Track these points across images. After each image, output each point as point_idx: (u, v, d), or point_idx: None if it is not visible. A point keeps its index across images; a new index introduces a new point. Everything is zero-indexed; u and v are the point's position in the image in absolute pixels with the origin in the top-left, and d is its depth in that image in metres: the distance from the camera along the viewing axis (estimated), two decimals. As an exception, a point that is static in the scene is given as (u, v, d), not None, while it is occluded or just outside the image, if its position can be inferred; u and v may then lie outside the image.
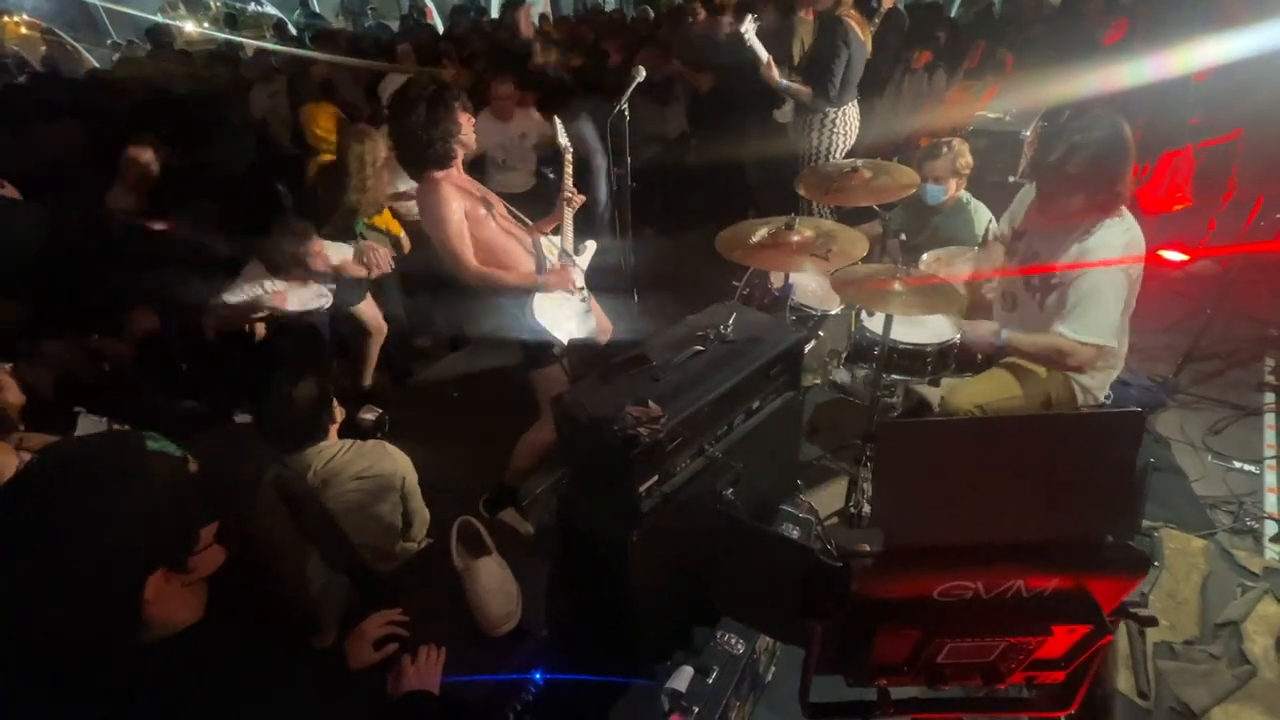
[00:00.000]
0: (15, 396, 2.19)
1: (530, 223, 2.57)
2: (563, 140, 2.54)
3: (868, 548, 0.71)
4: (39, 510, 0.92)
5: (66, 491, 0.93)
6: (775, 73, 3.57)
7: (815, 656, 0.81)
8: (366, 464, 1.97)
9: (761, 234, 2.22)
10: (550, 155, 4.03)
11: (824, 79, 3.54)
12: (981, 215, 2.93)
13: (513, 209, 2.54)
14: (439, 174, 2.26)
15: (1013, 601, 0.79)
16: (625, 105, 2.93)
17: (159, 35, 8.77)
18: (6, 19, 10.37)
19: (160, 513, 0.97)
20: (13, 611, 0.90)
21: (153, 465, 0.99)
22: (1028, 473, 0.75)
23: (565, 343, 2.44)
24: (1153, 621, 0.80)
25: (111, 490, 0.94)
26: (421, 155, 2.24)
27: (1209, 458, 2.83)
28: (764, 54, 3.51)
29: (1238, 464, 2.79)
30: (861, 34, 3.60)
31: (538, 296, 2.37)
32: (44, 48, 9.56)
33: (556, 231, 2.52)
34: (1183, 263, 3.67)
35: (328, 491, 1.91)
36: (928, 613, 0.79)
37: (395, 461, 2.04)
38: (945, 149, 2.86)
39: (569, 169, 2.52)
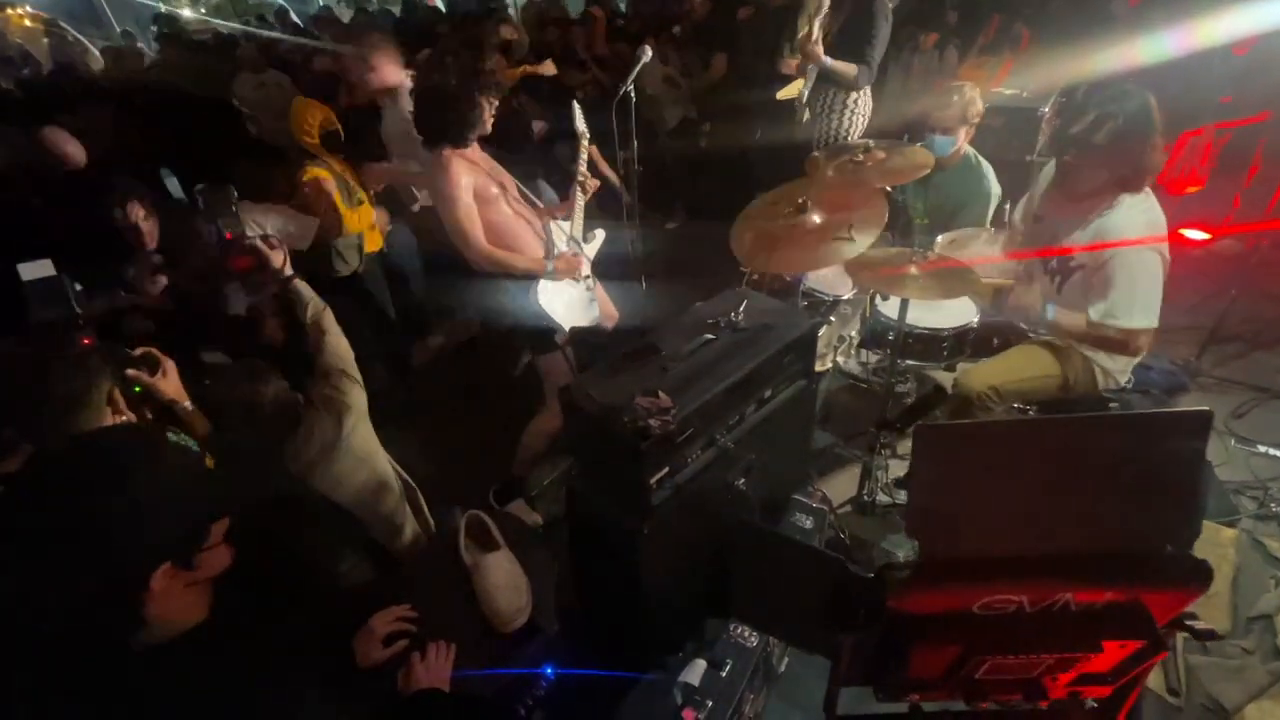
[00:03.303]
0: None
1: (541, 205, 2.52)
2: (580, 125, 2.49)
3: (903, 558, 0.67)
4: (52, 495, 0.91)
5: (82, 477, 0.92)
6: (820, 48, 3.34)
7: (845, 669, 0.77)
8: (328, 424, 1.84)
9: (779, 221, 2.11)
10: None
11: (867, 54, 3.38)
12: (989, 174, 2.81)
13: (525, 191, 2.49)
14: (451, 151, 2.24)
15: (1060, 616, 0.74)
16: (631, 88, 2.85)
17: (167, 25, 8.72)
18: (10, 11, 10.34)
19: (172, 506, 0.96)
20: (17, 597, 0.89)
21: (169, 458, 0.99)
22: (1079, 478, 0.69)
23: (567, 330, 2.40)
24: (1212, 635, 0.75)
25: (126, 479, 0.93)
26: (442, 130, 2.22)
27: (1232, 442, 2.77)
28: (816, 29, 3.32)
29: (1262, 448, 2.73)
30: (889, 9, 3.48)
31: (542, 282, 2.33)
32: (47, 40, 9.52)
33: (567, 217, 2.48)
34: (1205, 242, 3.57)
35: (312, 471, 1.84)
36: (967, 628, 0.74)
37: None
38: (955, 96, 2.68)
39: (584, 154, 2.47)
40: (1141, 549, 0.69)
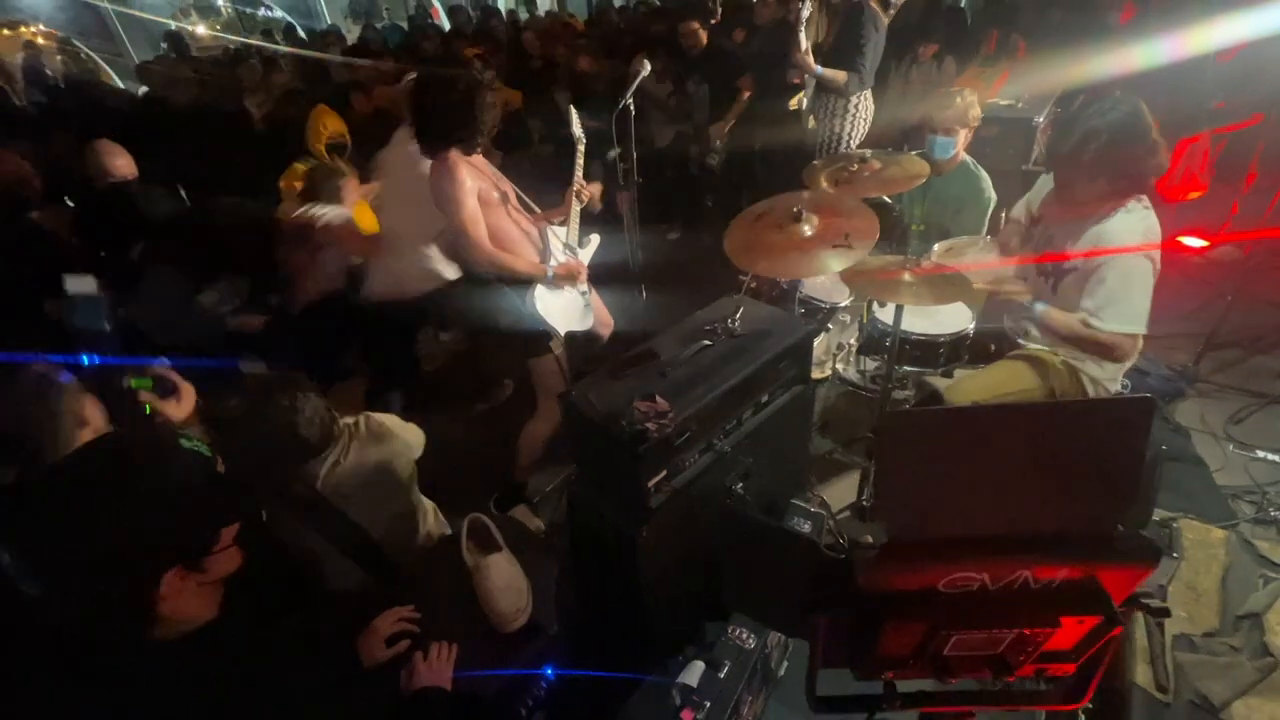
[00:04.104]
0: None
1: (539, 211, 2.55)
2: (577, 130, 2.49)
3: (871, 540, 0.70)
4: (70, 498, 0.94)
5: (98, 481, 0.95)
6: (811, 59, 3.47)
7: (821, 650, 0.81)
8: (375, 455, 1.89)
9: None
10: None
11: (857, 62, 3.49)
12: (985, 179, 2.84)
13: (525, 198, 2.53)
14: (458, 156, 2.24)
15: (1020, 592, 0.78)
16: (630, 100, 2.91)
17: (176, 42, 8.88)
18: (24, 29, 10.50)
19: (183, 510, 0.98)
20: (30, 593, 0.92)
21: (182, 463, 1.01)
22: (1035, 462, 0.74)
23: (561, 334, 2.43)
24: (1165, 613, 0.79)
25: (137, 484, 0.96)
26: (447, 135, 2.22)
27: (1231, 447, 2.78)
28: (805, 40, 3.43)
29: (1260, 453, 2.74)
30: (882, 19, 3.57)
31: (539, 287, 2.36)
32: (60, 57, 9.69)
33: (563, 222, 2.51)
34: (1203, 249, 3.59)
35: (341, 492, 1.86)
36: (933, 605, 0.78)
37: (405, 440, 1.97)
38: (957, 99, 2.72)
39: (581, 160, 2.49)
40: (1094, 529, 0.74)
